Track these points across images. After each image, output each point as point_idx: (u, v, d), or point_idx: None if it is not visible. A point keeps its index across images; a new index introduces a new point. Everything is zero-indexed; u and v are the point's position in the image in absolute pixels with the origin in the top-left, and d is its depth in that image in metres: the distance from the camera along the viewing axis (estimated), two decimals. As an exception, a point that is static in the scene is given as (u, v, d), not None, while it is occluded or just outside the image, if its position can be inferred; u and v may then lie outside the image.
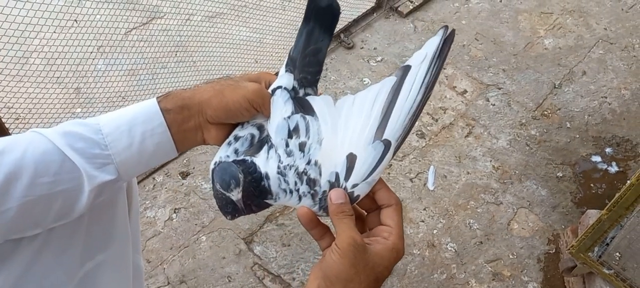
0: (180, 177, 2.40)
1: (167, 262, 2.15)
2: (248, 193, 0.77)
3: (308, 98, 0.84)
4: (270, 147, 0.80)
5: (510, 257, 2.30)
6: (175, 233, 2.24)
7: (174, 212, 2.29)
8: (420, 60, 0.78)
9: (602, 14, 3.43)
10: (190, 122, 0.81)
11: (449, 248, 2.30)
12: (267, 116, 0.84)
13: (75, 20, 2.46)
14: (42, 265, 0.82)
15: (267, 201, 0.80)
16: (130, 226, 1.00)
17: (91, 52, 2.61)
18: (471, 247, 2.31)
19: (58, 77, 2.31)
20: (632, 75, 3.08)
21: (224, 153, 0.82)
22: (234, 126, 0.85)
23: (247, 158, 0.79)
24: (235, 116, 0.82)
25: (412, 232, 2.33)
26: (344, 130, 0.78)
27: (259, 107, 0.82)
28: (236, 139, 0.82)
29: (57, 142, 0.74)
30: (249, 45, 2.89)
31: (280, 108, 0.82)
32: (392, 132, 0.75)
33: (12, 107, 2.35)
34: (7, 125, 1.96)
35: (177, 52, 2.88)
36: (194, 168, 2.43)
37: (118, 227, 0.94)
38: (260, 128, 0.83)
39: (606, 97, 2.96)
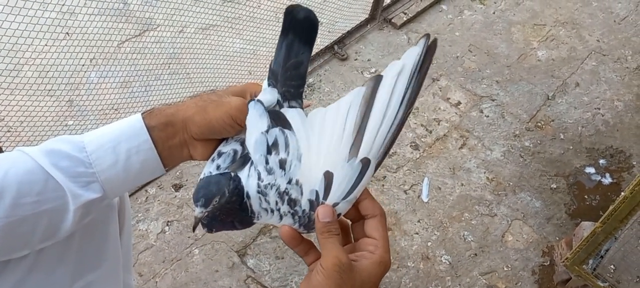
0: (173, 189, 2.38)
1: (159, 276, 2.13)
2: (232, 209, 0.76)
3: (282, 110, 0.81)
4: (251, 164, 0.78)
5: (505, 269, 2.29)
6: (168, 246, 2.22)
7: (167, 225, 2.28)
8: (396, 72, 0.73)
9: (595, 26, 3.45)
10: (175, 139, 0.80)
11: (444, 261, 2.29)
12: None
13: (67, 33, 2.45)
14: (32, 286, 0.81)
15: (250, 216, 0.78)
16: (122, 245, 0.99)
17: (83, 64, 2.60)
18: (466, 259, 2.30)
19: (50, 89, 2.30)
20: (624, 87, 3.09)
21: (208, 169, 0.80)
22: (220, 141, 0.84)
23: (229, 172, 0.78)
24: (219, 133, 0.81)
25: (407, 244, 2.31)
26: (318, 145, 0.76)
27: (243, 123, 0.81)
28: (219, 155, 0.81)
29: (40, 161, 0.73)
30: (242, 56, 2.88)
31: (256, 122, 0.79)
32: (369, 149, 0.73)
33: (3, 120, 2.34)
34: (-3, 138, 1.94)
35: (170, 63, 2.87)
36: (187, 180, 2.42)
37: (109, 247, 0.93)
38: (244, 143, 0.81)
39: (599, 109, 2.97)
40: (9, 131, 2.33)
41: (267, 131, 0.78)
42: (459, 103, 2.91)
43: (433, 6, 3.42)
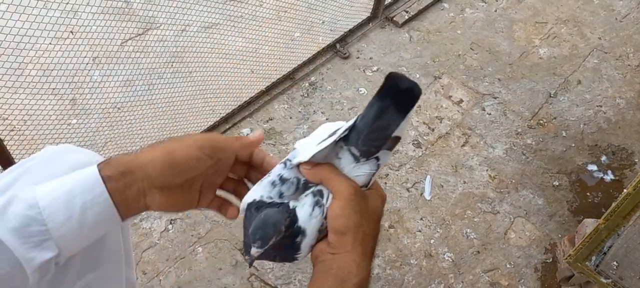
0: (176, 188, 2.39)
1: (163, 274, 2.14)
2: (281, 245, 0.74)
3: None
4: (316, 204, 0.75)
5: (508, 266, 2.29)
6: (172, 245, 2.22)
7: (170, 223, 2.28)
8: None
9: (597, 24, 3.45)
10: (133, 188, 0.76)
11: (446, 258, 2.29)
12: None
13: (71, 32, 2.45)
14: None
15: (296, 256, 0.76)
16: (123, 242, 0.99)
17: (87, 63, 2.61)
18: (468, 257, 2.30)
19: (53, 88, 2.30)
20: (626, 84, 3.10)
21: (266, 193, 0.77)
22: (181, 190, 0.80)
23: (291, 204, 0.75)
24: (185, 170, 0.77)
25: (409, 241, 2.32)
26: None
27: (214, 153, 0.77)
28: (282, 180, 0.78)
29: None
30: (244, 55, 2.88)
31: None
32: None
33: (7, 119, 2.35)
34: (2, 137, 1.95)
35: (173, 62, 2.87)
36: (190, 179, 2.42)
37: (110, 246, 0.93)
38: None
39: (601, 106, 2.97)
40: (12, 130, 2.34)
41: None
42: (461, 101, 2.91)
43: (434, 4, 3.43)
